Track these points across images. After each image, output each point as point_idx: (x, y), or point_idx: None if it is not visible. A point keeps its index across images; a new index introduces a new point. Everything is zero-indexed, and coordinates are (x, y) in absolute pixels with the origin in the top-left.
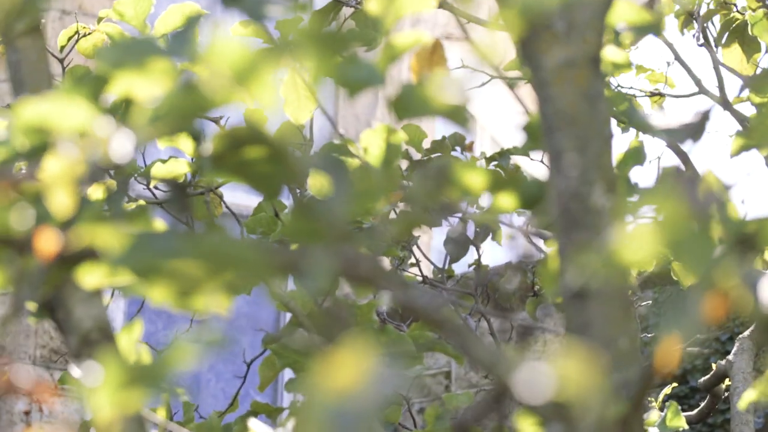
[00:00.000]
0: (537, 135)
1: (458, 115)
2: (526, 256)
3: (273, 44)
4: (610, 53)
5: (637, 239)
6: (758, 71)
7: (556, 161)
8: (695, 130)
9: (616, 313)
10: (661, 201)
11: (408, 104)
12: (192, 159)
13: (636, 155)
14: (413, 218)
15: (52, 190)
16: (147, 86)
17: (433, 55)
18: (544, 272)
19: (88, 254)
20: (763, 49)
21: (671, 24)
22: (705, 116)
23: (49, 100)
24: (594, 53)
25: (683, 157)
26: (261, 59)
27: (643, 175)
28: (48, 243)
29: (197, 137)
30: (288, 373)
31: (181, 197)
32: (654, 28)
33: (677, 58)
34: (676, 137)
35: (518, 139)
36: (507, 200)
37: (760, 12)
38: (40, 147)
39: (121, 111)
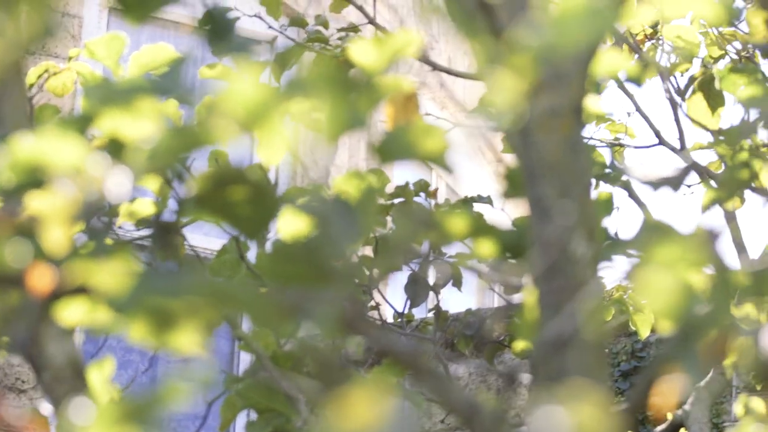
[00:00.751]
0: (517, 182)
1: (441, 160)
2: (506, 303)
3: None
4: (588, 103)
5: (652, 288)
6: (723, 124)
7: (538, 209)
8: (675, 181)
9: (591, 362)
10: (669, 250)
11: (391, 149)
12: (157, 198)
13: (606, 205)
14: (392, 261)
15: (46, 227)
16: (136, 125)
17: (408, 102)
18: (521, 320)
19: (79, 291)
20: (731, 102)
21: (628, 74)
22: (687, 169)
23: (43, 136)
24: (577, 102)
25: (642, 206)
26: (274, 101)
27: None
28: (42, 280)
29: (180, 177)
30: (243, 415)
31: (166, 237)
32: (637, 78)
33: (638, 108)
34: (655, 188)
35: (475, 187)
36: (487, 247)
37: (728, 66)
38: (27, 183)
39: (110, 149)
